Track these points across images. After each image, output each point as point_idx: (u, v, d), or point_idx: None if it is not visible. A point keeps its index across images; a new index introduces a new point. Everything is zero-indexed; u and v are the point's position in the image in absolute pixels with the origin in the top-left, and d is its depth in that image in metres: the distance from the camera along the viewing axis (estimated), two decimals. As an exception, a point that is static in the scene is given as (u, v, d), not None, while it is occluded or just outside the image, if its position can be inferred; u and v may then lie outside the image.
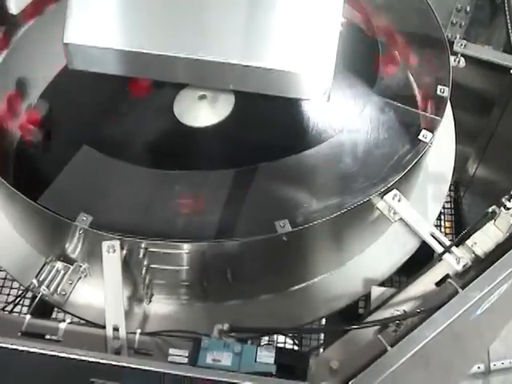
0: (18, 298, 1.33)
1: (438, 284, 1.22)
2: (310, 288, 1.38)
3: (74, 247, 1.30)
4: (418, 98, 1.44)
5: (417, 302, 1.20)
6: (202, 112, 1.54)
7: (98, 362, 1.05)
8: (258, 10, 1.37)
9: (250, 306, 1.34)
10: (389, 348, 1.15)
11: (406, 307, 1.20)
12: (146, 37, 1.37)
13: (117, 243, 1.21)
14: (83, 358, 1.05)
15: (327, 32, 1.35)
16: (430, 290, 1.21)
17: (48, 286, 1.31)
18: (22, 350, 1.07)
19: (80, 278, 1.35)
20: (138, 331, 1.16)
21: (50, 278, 1.31)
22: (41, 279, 1.31)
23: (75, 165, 1.33)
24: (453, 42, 1.48)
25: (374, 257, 1.42)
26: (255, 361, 1.10)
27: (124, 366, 1.04)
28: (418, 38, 1.50)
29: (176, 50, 1.34)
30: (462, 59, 1.48)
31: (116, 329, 1.15)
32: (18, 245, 1.43)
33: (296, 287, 1.38)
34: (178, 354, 1.14)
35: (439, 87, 1.40)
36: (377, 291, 1.28)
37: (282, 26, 1.36)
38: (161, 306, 1.36)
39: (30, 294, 1.32)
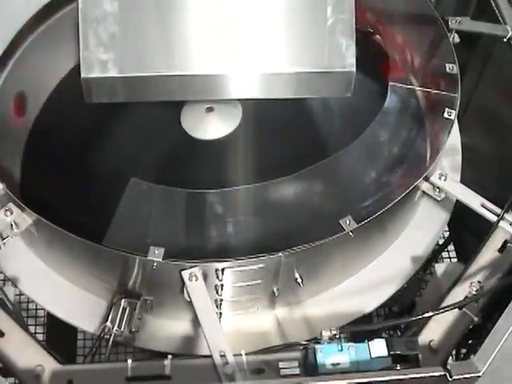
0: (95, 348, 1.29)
1: (500, 250, 1.29)
2: (366, 275, 1.42)
3: (141, 282, 1.28)
4: (431, 79, 1.51)
5: (487, 271, 1.27)
6: (212, 124, 1.55)
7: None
8: (272, 19, 1.39)
9: (319, 304, 1.38)
10: (476, 319, 1.23)
11: (479, 277, 1.27)
12: (170, 59, 1.37)
13: (197, 270, 1.21)
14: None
15: (344, 30, 1.38)
16: (495, 257, 1.28)
17: (119, 326, 1.28)
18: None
19: (147, 312, 1.33)
20: (244, 352, 1.17)
21: (119, 317, 1.29)
22: (110, 320, 1.29)
23: (127, 199, 1.31)
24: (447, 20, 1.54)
25: (413, 236, 1.48)
26: (370, 357, 1.14)
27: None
28: (414, 22, 1.56)
29: (209, 68, 1.34)
30: (456, 35, 1.55)
31: (222, 354, 1.15)
32: (70, 292, 1.39)
33: (353, 277, 1.42)
34: (290, 367, 1.16)
35: (447, 65, 1.46)
36: (441, 267, 1.35)
37: (301, 30, 1.39)
38: (230, 323, 1.36)
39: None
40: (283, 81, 1.41)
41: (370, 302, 1.39)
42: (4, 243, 1.34)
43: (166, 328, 1.35)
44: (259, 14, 1.38)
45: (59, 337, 1.73)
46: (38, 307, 1.70)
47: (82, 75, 1.36)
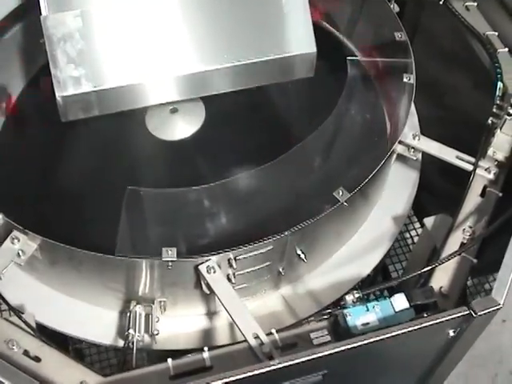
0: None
1: (481, 195, 1.40)
2: (356, 241, 1.50)
3: (156, 285, 1.31)
4: (384, 49, 1.60)
5: (475, 216, 1.37)
6: (178, 125, 1.58)
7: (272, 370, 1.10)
8: (233, 13, 1.45)
9: (320, 276, 1.44)
10: (475, 261, 1.32)
11: (469, 223, 1.36)
12: (145, 66, 1.40)
13: (213, 262, 1.25)
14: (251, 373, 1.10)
15: (300, 15, 1.46)
16: (479, 202, 1.39)
17: (140, 332, 1.31)
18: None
19: (161, 313, 1.36)
20: (274, 330, 1.22)
21: (137, 323, 1.31)
22: (131, 327, 1.31)
23: (128, 208, 1.33)
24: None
25: (391, 198, 1.56)
26: (395, 311, 1.21)
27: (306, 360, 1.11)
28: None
29: (181, 68, 1.39)
30: (396, 5, 1.65)
31: (256, 336, 1.19)
32: (78, 308, 1.39)
33: (345, 245, 1.49)
34: (321, 335, 1.22)
35: (396, 34, 1.55)
36: (430, 221, 1.44)
37: (261, 20, 1.45)
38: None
39: None
40: (251, 70, 1.46)
41: (365, 267, 1.46)
42: (3, 273, 1.32)
43: (180, 326, 1.37)
44: (223, 9, 1.43)
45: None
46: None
47: (57, 95, 1.36)
